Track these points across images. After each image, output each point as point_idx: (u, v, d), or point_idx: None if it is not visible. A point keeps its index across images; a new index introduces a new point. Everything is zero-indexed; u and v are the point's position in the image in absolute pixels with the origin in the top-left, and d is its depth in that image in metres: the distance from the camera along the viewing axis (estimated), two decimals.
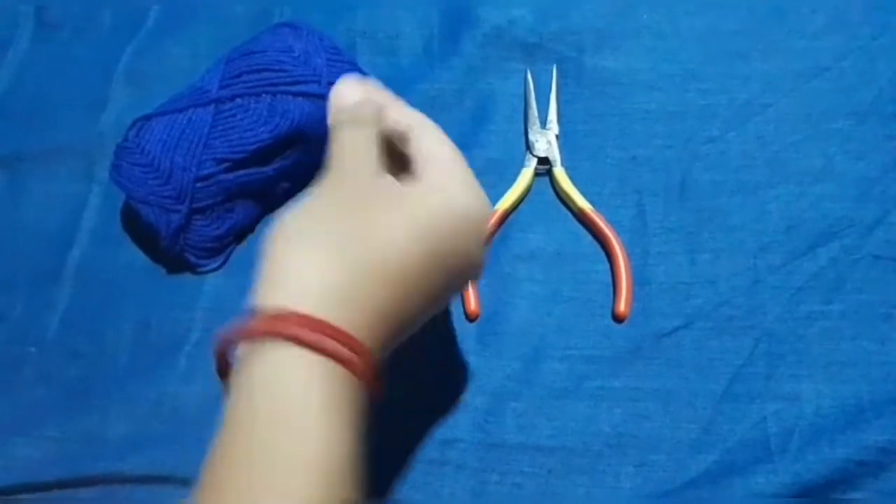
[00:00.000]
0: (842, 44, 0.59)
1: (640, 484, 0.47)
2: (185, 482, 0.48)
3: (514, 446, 0.49)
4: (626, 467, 0.47)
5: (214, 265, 0.56)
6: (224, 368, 0.36)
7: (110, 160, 0.55)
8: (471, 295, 0.52)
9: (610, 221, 0.54)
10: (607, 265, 0.53)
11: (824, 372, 0.49)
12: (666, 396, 0.49)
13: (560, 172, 0.56)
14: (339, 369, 0.34)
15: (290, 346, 0.33)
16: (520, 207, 0.56)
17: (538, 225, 0.56)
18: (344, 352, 0.34)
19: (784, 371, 0.49)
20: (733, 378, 0.49)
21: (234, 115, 0.53)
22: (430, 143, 0.41)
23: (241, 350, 0.35)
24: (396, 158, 0.41)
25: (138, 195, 0.53)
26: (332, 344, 0.34)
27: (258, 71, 0.54)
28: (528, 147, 0.57)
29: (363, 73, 0.58)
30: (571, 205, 0.55)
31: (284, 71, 0.54)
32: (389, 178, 0.39)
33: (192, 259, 0.55)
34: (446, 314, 0.52)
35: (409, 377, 0.47)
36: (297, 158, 0.55)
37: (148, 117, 0.54)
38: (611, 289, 0.53)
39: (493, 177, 0.57)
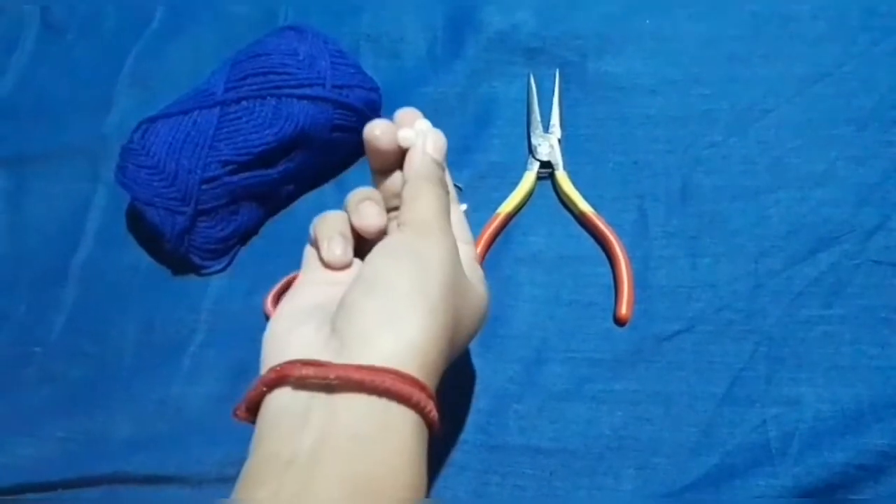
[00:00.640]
0: (843, 50, 0.59)
1: (641, 486, 0.47)
2: (189, 482, 0.49)
3: (515, 448, 0.49)
4: (626, 470, 0.48)
5: (219, 267, 0.56)
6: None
7: (115, 162, 0.55)
8: None
9: (612, 225, 0.54)
10: (609, 269, 0.54)
11: (824, 376, 0.49)
12: (667, 399, 0.49)
13: (562, 176, 0.56)
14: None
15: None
16: (522, 211, 0.57)
17: (540, 228, 0.56)
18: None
19: (784, 375, 0.49)
20: (734, 381, 0.49)
21: (239, 118, 0.53)
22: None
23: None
24: None
25: (143, 197, 0.53)
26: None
27: (263, 74, 0.54)
28: (531, 151, 0.58)
29: (367, 76, 0.58)
30: (573, 208, 0.56)
31: (289, 74, 0.54)
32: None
33: (197, 260, 0.55)
34: None
35: None
36: (301, 161, 0.55)
37: (153, 119, 0.55)
38: (612, 292, 0.53)
39: (495, 180, 0.57)
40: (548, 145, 0.58)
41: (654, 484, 0.47)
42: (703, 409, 0.49)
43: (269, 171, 0.55)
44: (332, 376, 0.33)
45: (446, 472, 0.49)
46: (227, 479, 0.48)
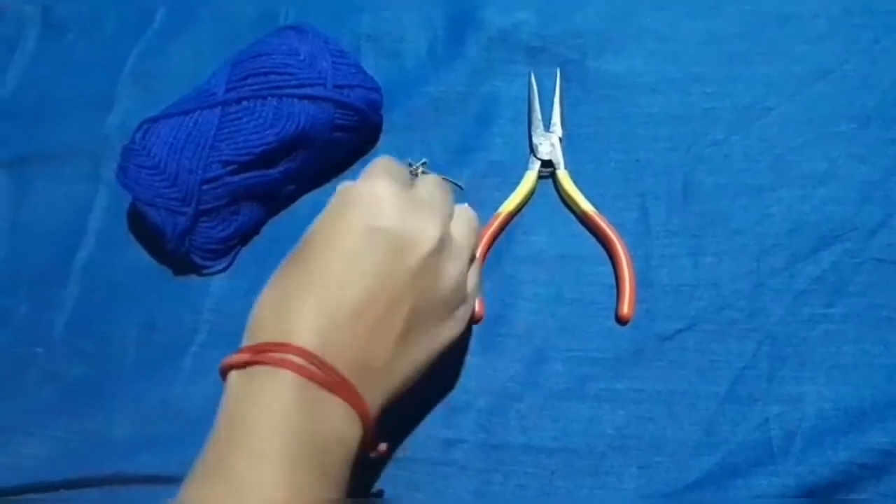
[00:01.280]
0: (844, 47, 0.59)
1: (643, 485, 0.47)
2: None
3: (517, 447, 0.49)
4: (628, 468, 0.48)
5: (220, 267, 0.56)
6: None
7: (117, 162, 0.55)
8: None
9: (613, 224, 0.54)
10: (610, 267, 0.54)
11: (827, 374, 0.49)
12: (669, 398, 0.49)
13: (564, 175, 0.56)
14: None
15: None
16: (523, 210, 0.56)
17: (541, 227, 0.56)
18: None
19: (786, 373, 0.49)
20: (736, 380, 0.49)
21: (240, 118, 0.53)
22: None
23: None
24: None
25: (144, 197, 0.53)
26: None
27: (264, 74, 0.54)
28: (532, 150, 0.58)
29: (368, 75, 0.58)
30: (575, 207, 0.56)
31: (290, 74, 0.54)
32: None
33: (198, 261, 0.55)
34: None
35: None
36: (302, 161, 0.55)
37: (154, 119, 0.55)
38: (614, 291, 0.53)
39: (496, 179, 0.57)
40: (549, 144, 0.58)
41: (656, 483, 0.47)
42: (706, 408, 0.49)
43: (271, 171, 0.54)
44: None
45: (447, 471, 0.49)
46: None
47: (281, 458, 0.36)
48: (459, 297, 0.43)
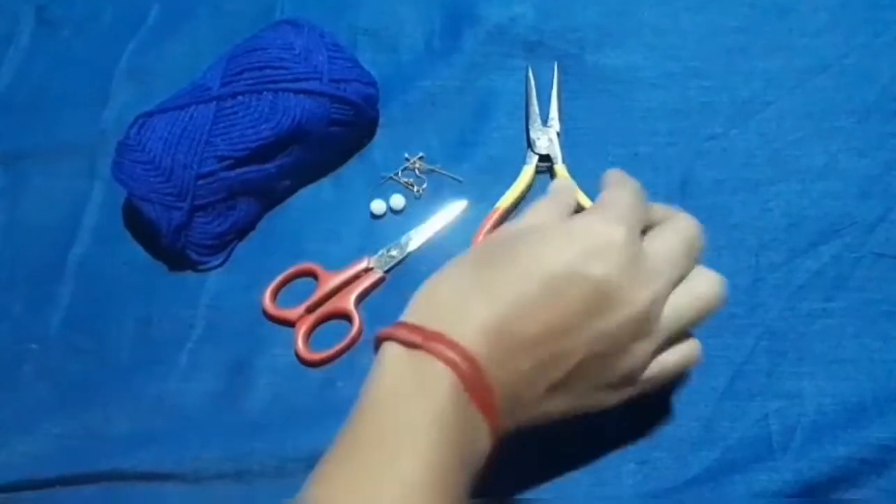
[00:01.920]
0: (844, 41, 0.59)
1: (642, 481, 0.47)
2: (187, 478, 0.48)
3: (515, 445, 0.48)
4: (627, 465, 0.47)
5: (216, 262, 0.56)
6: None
7: (112, 157, 0.55)
8: None
9: None
10: None
11: (826, 369, 0.49)
12: (667, 394, 0.49)
13: (561, 170, 0.56)
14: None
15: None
16: (521, 205, 0.56)
17: None
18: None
19: (786, 369, 0.49)
20: (735, 376, 0.49)
21: (236, 113, 0.53)
22: None
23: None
24: None
25: (140, 192, 0.53)
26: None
27: (259, 68, 0.54)
28: (529, 145, 0.57)
29: (364, 70, 0.58)
30: None
31: (286, 68, 0.54)
32: None
33: (194, 256, 0.55)
34: None
35: None
36: (298, 155, 0.55)
37: (150, 114, 0.54)
38: None
39: (493, 174, 0.57)
40: (546, 139, 0.57)
41: (654, 479, 0.47)
42: (705, 404, 0.49)
43: (266, 165, 0.54)
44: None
45: None
46: (225, 475, 0.48)
47: (448, 465, 0.35)
48: (630, 376, 0.40)
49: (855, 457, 0.45)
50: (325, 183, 0.58)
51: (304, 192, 0.58)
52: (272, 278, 0.54)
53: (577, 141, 0.58)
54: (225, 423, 0.50)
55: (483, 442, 0.37)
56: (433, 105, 0.60)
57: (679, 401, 0.49)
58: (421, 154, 0.58)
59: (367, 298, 0.54)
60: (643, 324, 0.38)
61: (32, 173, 0.61)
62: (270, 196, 0.57)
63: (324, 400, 0.51)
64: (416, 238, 0.55)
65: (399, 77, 0.61)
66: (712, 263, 0.52)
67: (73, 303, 0.56)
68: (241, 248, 0.57)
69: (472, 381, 0.35)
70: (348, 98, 0.55)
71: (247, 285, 0.55)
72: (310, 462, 0.38)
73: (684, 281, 0.41)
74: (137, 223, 0.57)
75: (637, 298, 0.37)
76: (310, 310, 0.53)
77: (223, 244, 0.56)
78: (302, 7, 0.65)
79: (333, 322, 0.54)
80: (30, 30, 0.68)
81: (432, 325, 0.37)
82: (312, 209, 0.58)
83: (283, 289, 0.55)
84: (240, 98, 0.53)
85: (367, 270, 0.54)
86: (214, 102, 0.53)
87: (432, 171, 0.58)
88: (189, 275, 0.56)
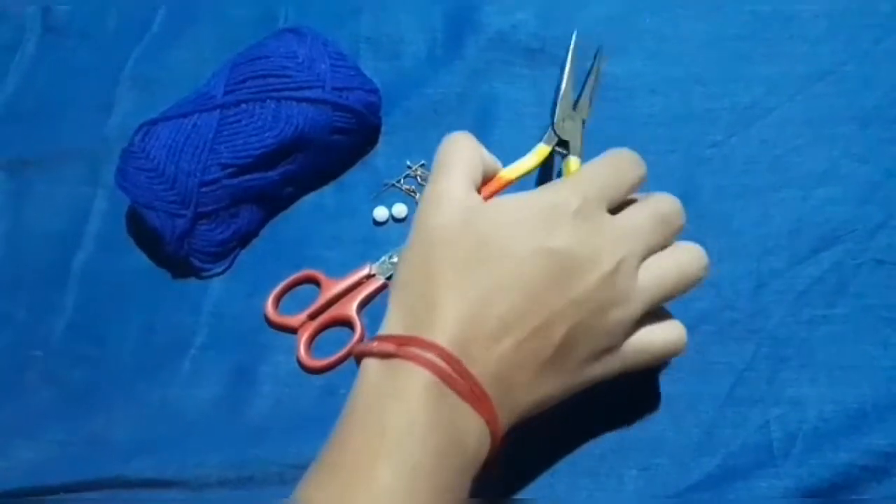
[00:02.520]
0: (844, 48, 0.59)
1: (643, 487, 0.47)
2: (190, 486, 0.48)
3: (516, 449, 0.48)
4: (629, 471, 0.47)
5: (219, 269, 0.56)
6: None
7: (116, 165, 0.55)
8: None
9: None
10: None
11: (827, 376, 0.49)
12: (668, 400, 0.49)
13: (574, 162, 0.52)
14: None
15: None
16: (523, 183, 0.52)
17: None
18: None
19: (787, 375, 0.49)
20: (736, 382, 0.49)
21: (239, 121, 0.53)
22: None
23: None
24: None
25: (143, 200, 0.53)
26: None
27: (263, 76, 0.54)
28: (553, 125, 0.52)
29: (367, 78, 0.58)
30: None
31: (289, 76, 0.54)
32: None
33: (197, 263, 0.55)
34: None
35: None
36: (301, 163, 0.55)
37: (153, 122, 0.55)
38: None
39: None
40: (571, 123, 0.53)
41: (656, 485, 0.47)
42: (706, 410, 0.49)
43: (269, 173, 0.54)
44: None
45: None
46: (227, 482, 0.48)
47: (425, 466, 0.35)
48: (613, 344, 0.40)
49: (856, 463, 0.45)
50: (328, 190, 0.59)
51: (307, 200, 0.58)
52: (274, 285, 0.54)
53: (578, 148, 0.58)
54: (227, 429, 0.50)
55: (474, 436, 0.37)
56: (435, 112, 0.60)
57: (680, 407, 0.49)
58: (423, 161, 0.58)
59: (370, 305, 0.54)
60: (613, 288, 0.39)
61: (36, 180, 0.61)
62: (273, 203, 0.57)
63: (326, 407, 0.50)
64: None
65: (401, 84, 0.61)
66: (714, 269, 0.52)
67: (76, 310, 0.56)
68: (244, 255, 0.57)
69: (452, 374, 0.36)
70: (351, 106, 0.55)
71: (249, 292, 0.55)
72: None
73: (665, 250, 0.42)
74: (141, 230, 0.57)
75: (602, 262, 0.38)
76: (312, 317, 0.54)
77: (226, 251, 0.56)
78: (305, 15, 0.65)
79: (336, 329, 0.54)
80: (35, 38, 0.68)
81: (407, 332, 0.38)
82: (315, 216, 0.58)
83: (286, 296, 0.55)
84: (243, 106, 0.54)
85: (370, 277, 0.55)
86: (218, 110, 0.54)
87: None
88: (192, 282, 0.56)
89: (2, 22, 0.69)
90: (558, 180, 0.41)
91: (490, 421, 0.37)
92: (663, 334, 0.42)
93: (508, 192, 0.49)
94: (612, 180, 0.42)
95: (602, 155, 0.44)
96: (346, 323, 0.54)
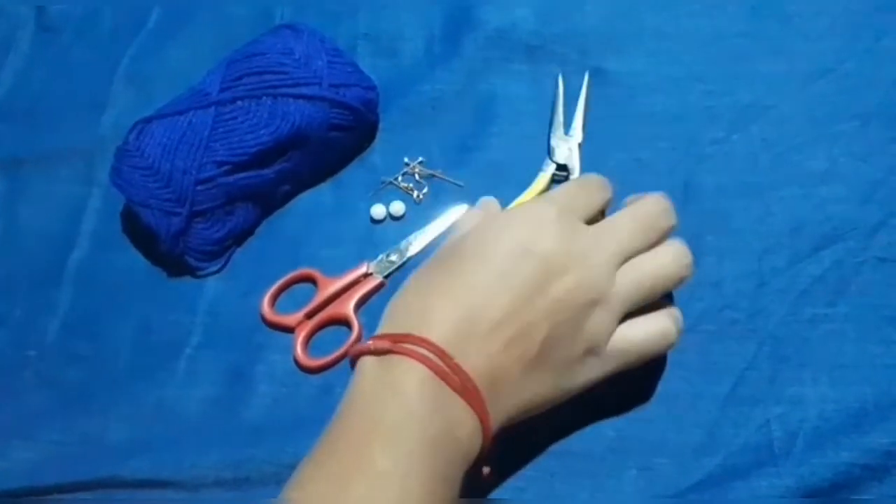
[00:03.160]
0: (846, 46, 0.59)
1: (644, 487, 0.47)
2: (186, 486, 0.48)
3: (517, 449, 0.48)
4: (629, 471, 0.47)
5: (215, 268, 0.55)
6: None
7: (111, 163, 0.55)
8: None
9: None
10: None
11: (828, 375, 0.49)
12: (669, 400, 0.49)
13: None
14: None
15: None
16: None
17: None
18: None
19: (788, 374, 0.49)
20: (737, 381, 0.49)
21: (235, 118, 0.53)
22: None
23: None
24: None
25: (138, 198, 0.53)
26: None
27: (259, 73, 0.54)
28: (549, 152, 0.56)
29: (364, 74, 0.58)
30: None
31: (285, 73, 0.54)
32: None
33: (193, 262, 0.55)
34: None
35: None
36: (297, 160, 0.55)
37: (148, 120, 0.54)
38: None
39: (494, 179, 0.56)
40: (567, 148, 0.56)
41: (656, 485, 0.47)
42: (707, 410, 0.48)
43: (265, 171, 0.54)
44: None
45: None
46: (224, 482, 0.48)
47: (419, 453, 0.36)
48: (593, 346, 0.42)
49: (857, 462, 0.45)
50: (325, 188, 0.58)
51: (304, 198, 0.58)
52: (271, 284, 0.54)
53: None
54: (224, 429, 0.50)
55: (467, 429, 0.38)
56: (433, 110, 0.60)
57: (681, 406, 0.49)
58: (421, 159, 0.58)
59: (367, 304, 0.54)
60: (590, 289, 0.41)
61: (31, 179, 0.61)
62: (270, 201, 0.57)
63: (323, 406, 0.49)
64: (416, 243, 0.55)
65: (399, 82, 0.61)
66: (714, 268, 0.52)
67: (71, 309, 0.56)
68: (240, 253, 0.56)
69: (445, 370, 0.37)
70: (348, 103, 0.55)
71: (245, 291, 0.55)
72: None
73: (649, 251, 0.43)
74: (136, 229, 0.57)
75: (581, 265, 0.41)
76: (309, 316, 0.53)
77: (222, 250, 0.55)
78: (302, 12, 0.65)
79: (333, 328, 0.54)
80: (29, 35, 0.68)
81: (400, 330, 0.39)
82: (312, 214, 0.57)
83: (282, 294, 0.55)
84: (239, 103, 0.53)
85: (367, 276, 0.54)
86: (213, 108, 0.53)
87: (432, 175, 0.58)
88: (188, 281, 0.55)
89: None
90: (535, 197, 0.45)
91: (482, 416, 0.38)
92: (645, 331, 0.43)
93: None
94: (582, 199, 0.45)
95: (572, 178, 0.49)
96: (344, 322, 0.53)
